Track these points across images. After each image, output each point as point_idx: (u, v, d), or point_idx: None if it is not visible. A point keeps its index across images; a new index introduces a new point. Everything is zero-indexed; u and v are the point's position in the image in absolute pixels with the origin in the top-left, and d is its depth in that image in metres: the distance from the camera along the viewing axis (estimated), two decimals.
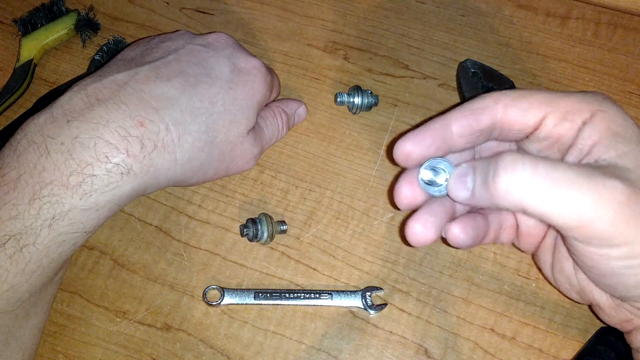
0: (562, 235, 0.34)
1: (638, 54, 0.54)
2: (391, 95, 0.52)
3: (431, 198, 0.36)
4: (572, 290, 0.38)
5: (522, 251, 0.42)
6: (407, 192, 0.36)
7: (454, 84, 0.53)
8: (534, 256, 0.41)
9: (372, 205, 0.48)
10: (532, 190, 0.29)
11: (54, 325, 0.43)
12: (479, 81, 0.50)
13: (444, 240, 0.36)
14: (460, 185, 0.33)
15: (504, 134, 0.35)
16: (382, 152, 0.50)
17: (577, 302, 0.40)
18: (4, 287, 0.34)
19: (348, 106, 0.51)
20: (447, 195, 0.35)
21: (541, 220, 0.31)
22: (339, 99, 0.50)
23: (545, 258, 0.39)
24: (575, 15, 0.57)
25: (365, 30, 0.56)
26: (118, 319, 0.43)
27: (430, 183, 0.35)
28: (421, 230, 0.34)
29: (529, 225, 0.39)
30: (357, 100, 0.50)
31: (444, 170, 0.35)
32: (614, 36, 0.56)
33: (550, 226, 0.38)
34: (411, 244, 0.35)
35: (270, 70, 0.46)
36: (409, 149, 0.35)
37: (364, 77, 0.53)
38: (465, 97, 0.50)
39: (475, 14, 0.57)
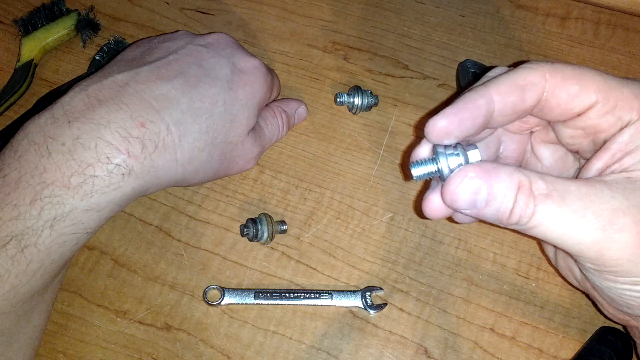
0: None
1: (638, 54, 0.54)
2: (391, 95, 0.52)
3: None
4: (573, 278, 0.38)
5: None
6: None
7: (454, 84, 0.53)
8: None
9: (372, 205, 0.48)
10: (551, 219, 0.28)
11: (54, 325, 0.43)
12: (475, 80, 0.50)
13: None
14: (467, 199, 0.30)
15: (541, 113, 0.32)
16: (382, 152, 0.50)
17: (574, 287, 0.40)
18: (6, 287, 0.34)
19: (348, 106, 0.51)
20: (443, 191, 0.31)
21: (550, 244, 0.30)
22: (339, 99, 0.50)
23: None
24: (574, 16, 0.57)
25: (365, 30, 0.56)
26: (118, 319, 0.43)
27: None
28: (438, 203, 0.32)
29: None
30: (357, 100, 0.50)
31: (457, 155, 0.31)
32: (613, 36, 0.56)
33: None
34: (429, 216, 0.33)
35: (270, 71, 0.46)
36: (445, 126, 0.31)
37: (364, 77, 0.53)
38: None
39: (475, 14, 0.57)
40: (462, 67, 0.51)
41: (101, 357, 0.42)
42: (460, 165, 0.30)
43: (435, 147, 0.32)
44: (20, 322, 0.37)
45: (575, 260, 0.33)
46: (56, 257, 0.36)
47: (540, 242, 0.41)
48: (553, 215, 0.28)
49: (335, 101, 0.50)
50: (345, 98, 0.50)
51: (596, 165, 0.32)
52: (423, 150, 0.33)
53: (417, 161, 0.32)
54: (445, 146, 0.31)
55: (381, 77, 0.53)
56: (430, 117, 0.31)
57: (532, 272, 0.45)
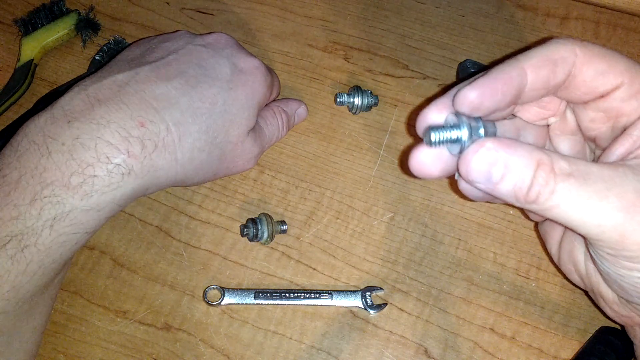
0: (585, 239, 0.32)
1: (638, 54, 0.54)
2: (391, 95, 0.52)
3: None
4: (576, 274, 0.37)
5: (529, 218, 0.41)
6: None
7: (454, 84, 0.53)
8: (539, 224, 0.39)
9: (372, 205, 0.48)
10: (572, 199, 0.27)
11: (54, 325, 0.43)
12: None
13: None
14: (483, 171, 0.28)
15: (566, 92, 0.32)
16: (382, 152, 0.50)
17: (575, 285, 0.39)
18: (6, 287, 0.34)
19: (348, 106, 0.51)
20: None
21: (569, 228, 0.29)
22: (339, 99, 0.50)
23: (554, 233, 0.37)
24: (574, 16, 0.57)
25: (365, 30, 0.56)
26: (118, 319, 0.43)
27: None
28: (428, 162, 0.31)
29: None
30: (357, 100, 0.50)
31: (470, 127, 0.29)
32: (613, 36, 0.56)
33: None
34: (415, 174, 0.31)
35: (270, 70, 0.46)
36: (476, 98, 0.29)
37: (364, 77, 0.53)
38: None
39: (475, 14, 0.57)
40: (462, 67, 0.51)
41: (101, 357, 0.42)
42: (481, 137, 0.29)
43: (457, 115, 0.30)
44: (20, 322, 0.37)
45: (589, 249, 0.32)
46: (56, 257, 0.36)
47: (542, 239, 0.41)
48: (574, 196, 0.27)
49: (335, 101, 0.50)
50: (345, 98, 0.50)
51: (618, 150, 0.31)
52: (433, 117, 0.32)
53: (436, 126, 0.30)
54: (467, 117, 0.30)
55: (381, 77, 0.53)
56: (461, 89, 0.30)
57: (532, 272, 0.45)
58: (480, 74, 0.31)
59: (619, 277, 0.31)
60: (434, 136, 0.30)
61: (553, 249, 0.38)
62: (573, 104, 0.34)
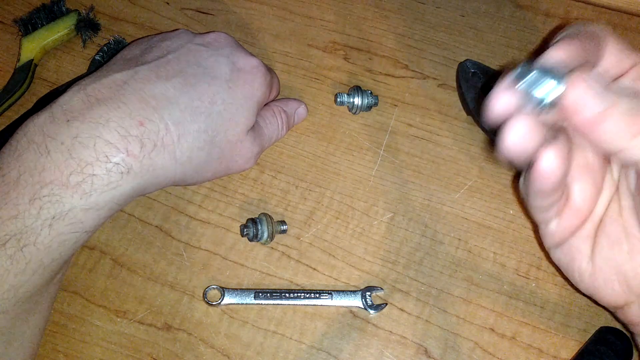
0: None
1: None
2: (391, 95, 0.52)
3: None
4: (618, 281, 0.34)
5: (542, 243, 0.38)
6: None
7: (454, 84, 0.53)
8: (556, 250, 0.37)
9: (372, 205, 0.48)
10: None
11: (54, 325, 0.43)
12: (478, 81, 0.50)
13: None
14: (596, 96, 0.27)
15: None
16: (382, 152, 0.50)
17: (604, 304, 0.37)
18: (5, 287, 0.34)
19: (348, 106, 0.51)
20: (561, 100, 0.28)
21: None
22: (339, 99, 0.50)
23: (583, 246, 0.35)
24: (574, 16, 0.57)
25: (365, 30, 0.56)
26: (118, 319, 0.43)
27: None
28: (526, 130, 0.28)
29: (583, 199, 0.34)
30: (357, 100, 0.50)
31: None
32: None
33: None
34: (507, 148, 0.29)
35: (269, 70, 0.46)
36: (562, 56, 0.28)
37: (364, 77, 0.53)
38: (465, 97, 0.50)
39: (475, 14, 0.57)
40: (462, 67, 0.51)
41: (101, 357, 0.42)
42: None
43: (543, 66, 0.28)
44: (19, 322, 0.37)
45: None
46: (55, 256, 0.36)
47: (560, 266, 0.38)
48: None
49: (335, 101, 0.50)
50: (345, 98, 0.50)
51: None
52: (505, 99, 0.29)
53: (538, 69, 0.28)
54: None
55: (381, 77, 0.53)
56: (548, 50, 0.29)
57: (532, 272, 0.45)
58: (559, 36, 0.30)
59: None
60: (523, 82, 0.28)
61: (583, 265, 0.36)
62: None
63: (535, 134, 0.28)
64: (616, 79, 0.32)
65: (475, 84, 0.50)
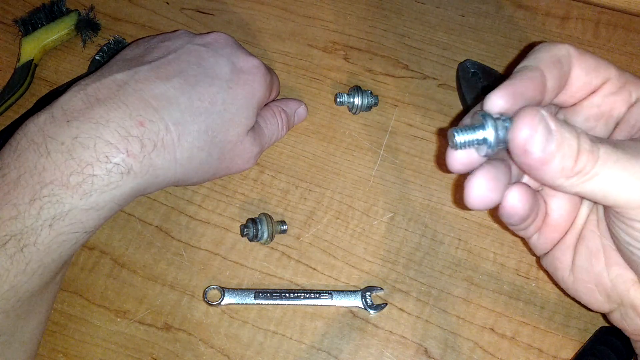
0: (608, 219, 0.32)
1: (638, 54, 0.54)
2: (391, 95, 0.52)
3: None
4: (598, 291, 0.35)
5: (532, 253, 0.41)
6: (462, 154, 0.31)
7: (454, 84, 0.53)
8: (542, 259, 0.38)
9: (372, 205, 0.48)
10: (613, 164, 0.28)
11: (54, 325, 0.43)
12: (478, 81, 0.50)
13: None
14: (542, 137, 0.27)
15: (564, 92, 0.33)
16: (382, 152, 0.50)
17: (587, 308, 0.37)
18: (5, 287, 0.34)
19: (348, 106, 0.51)
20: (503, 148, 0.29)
21: (593, 200, 0.29)
22: (339, 99, 0.50)
23: (564, 257, 0.36)
24: (574, 16, 0.57)
25: (365, 30, 0.56)
26: (118, 319, 0.43)
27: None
28: (486, 187, 0.29)
29: (560, 214, 0.35)
30: (357, 100, 0.50)
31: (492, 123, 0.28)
32: (613, 36, 0.56)
33: (572, 222, 0.36)
34: (473, 205, 0.30)
35: (269, 70, 0.46)
36: (503, 104, 0.29)
37: (364, 77, 0.53)
38: (465, 97, 0.50)
39: (475, 14, 0.57)
40: (462, 67, 0.51)
41: (101, 357, 0.42)
42: (507, 131, 0.28)
43: (481, 114, 0.29)
44: (19, 322, 0.37)
45: (612, 233, 0.32)
46: (55, 257, 0.36)
47: (543, 258, 0.38)
48: (613, 161, 0.28)
49: (335, 101, 0.50)
50: (345, 98, 0.50)
51: (618, 137, 0.32)
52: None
53: (461, 128, 0.29)
54: (491, 115, 0.29)
55: (381, 77, 0.53)
56: (488, 95, 0.30)
57: (532, 272, 0.45)
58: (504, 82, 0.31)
59: None
60: (458, 138, 0.29)
61: (565, 275, 0.36)
62: (566, 113, 0.35)
63: (494, 183, 0.30)
64: (586, 97, 0.33)
65: (475, 84, 0.50)
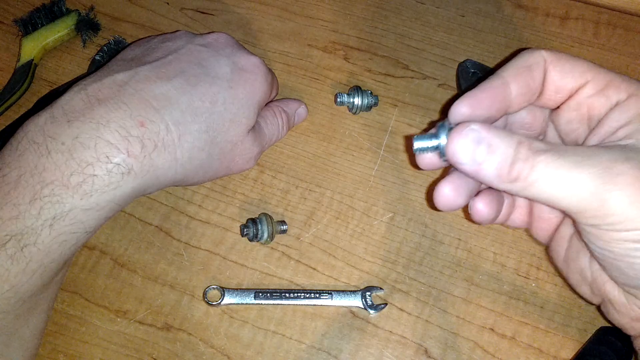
0: (573, 221, 0.33)
1: (638, 54, 0.54)
2: (391, 95, 0.52)
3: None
4: (584, 283, 0.37)
5: (537, 242, 0.42)
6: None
7: (454, 84, 0.53)
8: (548, 249, 0.40)
9: (372, 205, 0.48)
10: (550, 173, 0.29)
11: (54, 325, 0.43)
12: (478, 81, 0.50)
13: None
14: (469, 150, 0.30)
15: (541, 98, 0.34)
16: (382, 152, 0.50)
17: (585, 300, 0.39)
18: (5, 287, 0.34)
19: (348, 106, 0.51)
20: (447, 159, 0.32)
21: (547, 205, 0.30)
22: (339, 99, 0.50)
23: (559, 249, 0.38)
24: (574, 16, 0.57)
25: (365, 30, 0.56)
26: (118, 319, 0.43)
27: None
28: (451, 194, 0.33)
29: (542, 209, 0.38)
30: (357, 100, 0.50)
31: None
32: (613, 36, 0.56)
33: (565, 214, 0.37)
34: (439, 207, 0.34)
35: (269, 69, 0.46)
36: (465, 112, 0.32)
37: (364, 77, 0.53)
38: None
39: (475, 14, 0.57)
40: (462, 67, 0.51)
41: (101, 357, 0.42)
42: None
43: (440, 124, 0.33)
44: (19, 322, 0.37)
45: (580, 234, 0.33)
46: (56, 257, 0.36)
47: (548, 248, 0.40)
48: (552, 168, 0.29)
49: (335, 101, 0.50)
50: (345, 98, 0.50)
51: (592, 140, 0.33)
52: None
53: (420, 135, 0.33)
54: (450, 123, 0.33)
55: (381, 77, 0.53)
56: (453, 104, 0.33)
57: (532, 272, 0.45)
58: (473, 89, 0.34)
59: (612, 256, 0.31)
60: (417, 144, 0.33)
61: (560, 264, 0.38)
62: (552, 117, 0.36)
63: (459, 190, 0.33)
64: (567, 100, 0.34)
65: (475, 84, 0.50)
